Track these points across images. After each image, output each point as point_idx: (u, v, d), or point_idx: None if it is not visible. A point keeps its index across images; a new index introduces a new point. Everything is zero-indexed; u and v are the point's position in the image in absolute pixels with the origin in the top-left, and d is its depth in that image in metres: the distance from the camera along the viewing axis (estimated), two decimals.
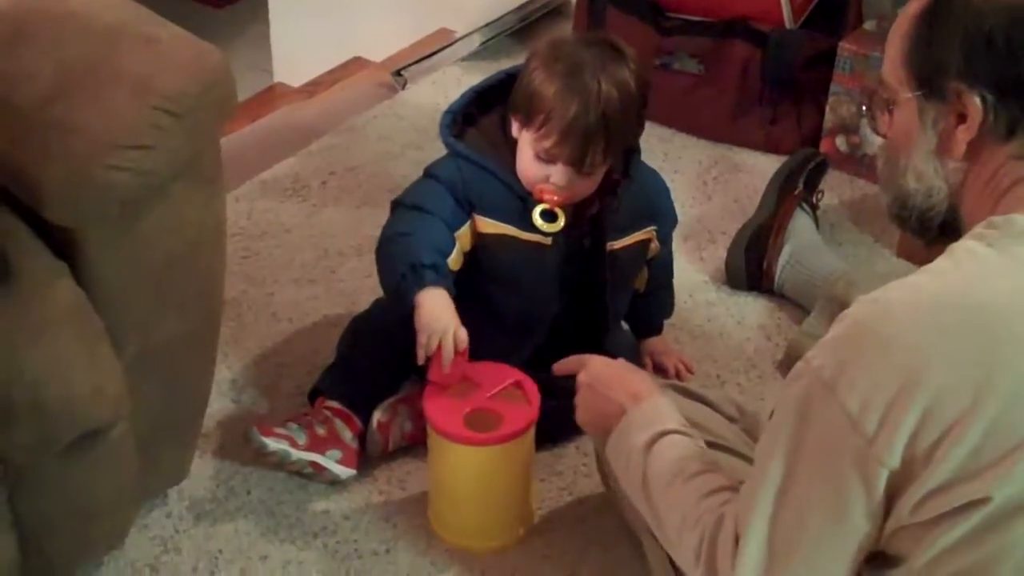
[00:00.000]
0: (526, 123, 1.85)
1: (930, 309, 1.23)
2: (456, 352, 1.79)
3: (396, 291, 1.83)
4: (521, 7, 3.13)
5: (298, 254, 2.45)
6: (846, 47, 2.63)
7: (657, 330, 2.21)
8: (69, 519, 1.61)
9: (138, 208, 1.54)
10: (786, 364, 2.18)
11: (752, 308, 2.35)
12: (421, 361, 1.80)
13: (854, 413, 1.23)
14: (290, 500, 1.93)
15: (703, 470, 1.48)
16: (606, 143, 1.82)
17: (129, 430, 1.60)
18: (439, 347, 1.78)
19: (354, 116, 2.89)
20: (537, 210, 1.88)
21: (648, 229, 2.03)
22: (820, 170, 2.52)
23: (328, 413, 1.96)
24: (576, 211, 1.94)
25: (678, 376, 2.15)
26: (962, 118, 1.33)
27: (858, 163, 2.69)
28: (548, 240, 1.91)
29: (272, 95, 3.04)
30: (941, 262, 1.28)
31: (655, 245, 2.07)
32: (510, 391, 1.85)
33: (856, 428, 1.23)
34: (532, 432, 1.84)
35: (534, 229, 1.89)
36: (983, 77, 1.30)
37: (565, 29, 3.04)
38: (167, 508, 1.91)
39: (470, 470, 1.83)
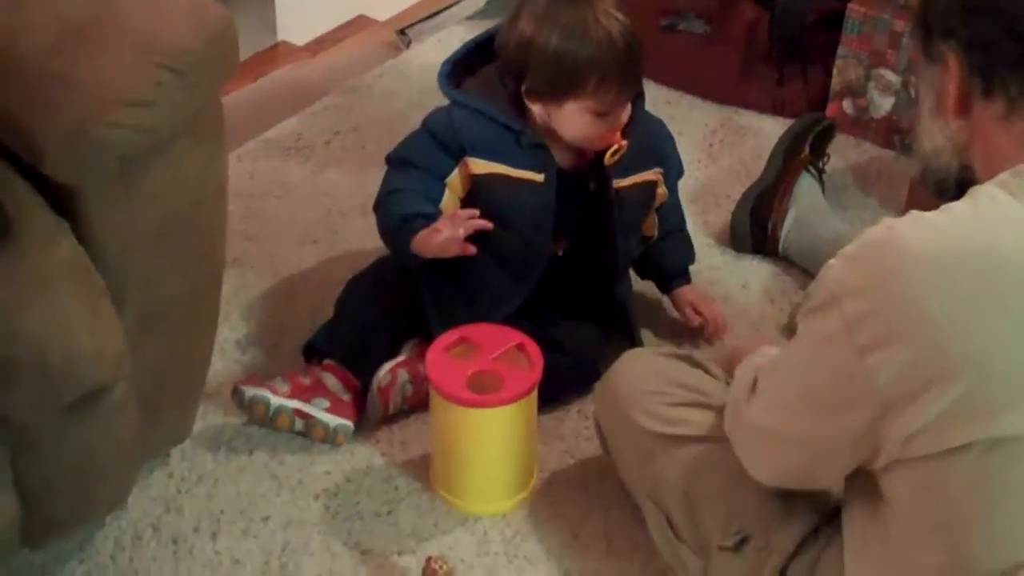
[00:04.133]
0: (571, 95, 1.89)
1: (939, 248, 1.25)
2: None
3: (394, 246, 1.97)
4: None
5: (301, 214, 2.44)
6: (854, 9, 2.61)
7: (684, 276, 2.19)
8: (71, 479, 1.61)
9: (139, 166, 1.53)
10: (790, 328, 2.18)
11: (757, 272, 2.34)
12: (463, 237, 1.88)
13: (851, 324, 1.28)
14: (292, 461, 1.93)
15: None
16: (642, 59, 1.93)
17: (130, 389, 1.59)
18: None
19: (358, 75, 2.87)
20: (609, 153, 1.94)
21: (654, 170, 2.06)
22: (827, 134, 2.50)
23: (319, 369, 1.96)
24: (579, 152, 1.98)
25: (713, 329, 2.14)
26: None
27: (864, 127, 2.67)
28: (540, 177, 1.95)
29: (276, 53, 3.01)
30: (961, 204, 1.30)
31: (662, 191, 2.09)
32: (512, 353, 1.84)
33: (850, 335, 1.28)
34: (535, 394, 1.83)
35: (525, 166, 1.94)
36: (957, 35, 1.33)
37: None
38: (169, 468, 1.91)
39: (473, 432, 1.83)
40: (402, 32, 2.99)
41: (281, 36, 3.05)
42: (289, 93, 2.82)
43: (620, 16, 1.89)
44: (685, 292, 2.17)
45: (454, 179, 1.96)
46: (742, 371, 1.58)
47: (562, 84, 1.89)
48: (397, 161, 2.01)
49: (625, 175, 2.00)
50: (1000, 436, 1.23)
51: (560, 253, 2.02)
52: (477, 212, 1.91)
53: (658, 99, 2.75)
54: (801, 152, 2.43)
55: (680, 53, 2.76)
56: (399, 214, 1.93)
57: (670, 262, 2.18)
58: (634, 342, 2.07)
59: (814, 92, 2.73)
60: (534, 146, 1.94)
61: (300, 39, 3.05)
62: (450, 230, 1.88)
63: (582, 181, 1.99)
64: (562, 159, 1.98)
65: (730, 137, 2.69)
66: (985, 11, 1.31)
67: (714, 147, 2.66)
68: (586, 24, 1.86)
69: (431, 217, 1.92)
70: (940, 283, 1.23)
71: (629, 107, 1.95)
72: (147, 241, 1.59)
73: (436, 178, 1.96)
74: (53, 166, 1.48)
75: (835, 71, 2.67)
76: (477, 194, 1.97)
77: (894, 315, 1.25)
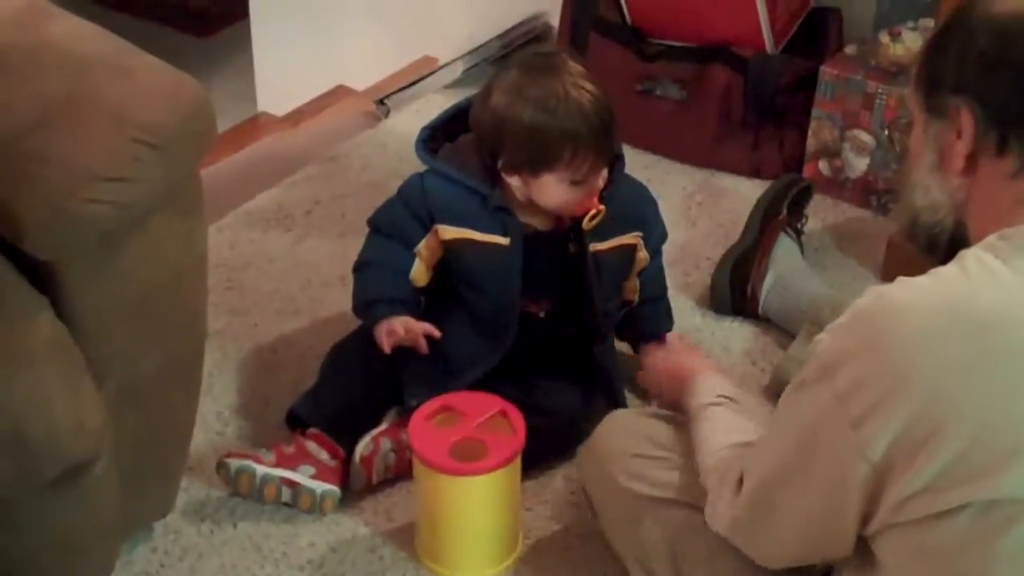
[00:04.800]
0: (547, 168, 1.91)
1: (930, 312, 1.25)
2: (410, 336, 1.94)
3: (361, 326, 2.04)
4: (504, 34, 3.14)
5: (282, 284, 2.45)
6: (827, 71, 2.64)
7: (658, 341, 2.19)
8: (53, 554, 1.60)
9: (118, 240, 1.53)
10: (772, 389, 2.18)
11: (737, 333, 2.35)
12: (388, 350, 1.95)
13: (843, 395, 1.27)
14: (276, 534, 1.92)
15: (730, 430, 1.64)
16: (616, 127, 1.96)
17: (112, 464, 1.59)
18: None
19: (338, 145, 2.89)
20: (588, 218, 1.97)
21: (633, 235, 2.07)
22: (804, 195, 2.52)
23: (303, 437, 1.97)
24: (557, 215, 2.00)
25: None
26: (960, 134, 1.35)
27: (840, 187, 2.69)
28: (506, 240, 1.97)
29: (256, 124, 3.03)
30: (949, 268, 1.30)
31: (643, 255, 2.10)
32: (495, 420, 1.84)
33: (842, 406, 1.27)
34: (518, 461, 1.83)
35: (491, 230, 1.97)
36: (973, 90, 1.33)
37: None
38: (152, 542, 1.90)
39: (457, 501, 1.82)
40: (381, 102, 3.02)
41: (261, 107, 3.06)
42: (269, 164, 2.84)
43: (589, 86, 1.91)
44: (651, 348, 2.17)
45: (423, 247, 2.00)
46: (712, 456, 1.59)
47: (538, 158, 1.91)
48: (373, 227, 2.06)
49: (604, 239, 2.01)
50: (994, 498, 1.22)
51: (542, 315, 2.04)
52: (427, 327, 1.96)
53: (636, 163, 2.77)
54: (779, 213, 2.45)
55: (656, 118, 2.79)
56: (363, 299, 2.02)
57: (646, 328, 2.19)
58: (617, 403, 2.07)
59: (790, 153, 2.75)
60: (499, 209, 1.97)
61: (280, 110, 3.07)
62: (390, 339, 1.95)
63: (561, 243, 2.01)
64: (541, 222, 2.01)
65: (708, 200, 2.71)
66: (1008, 66, 1.31)
67: (692, 210, 2.68)
68: (557, 97, 1.88)
69: (393, 303, 1.98)
70: (931, 347, 1.23)
71: (605, 172, 1.97)
72: (127, 315, 1.59)
73: (406, 247, 2.00)
74: (32, 243, 1.48)
75: (810, 133, 2.70)
76: (449, 258, 2.00)
77: (887, 380, 1.24)
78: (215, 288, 2.30)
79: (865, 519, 1.31)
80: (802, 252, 2.44)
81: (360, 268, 2.05)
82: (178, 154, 1.55)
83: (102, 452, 1.55)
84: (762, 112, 2.71)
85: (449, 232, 1.98)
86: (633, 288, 2.14)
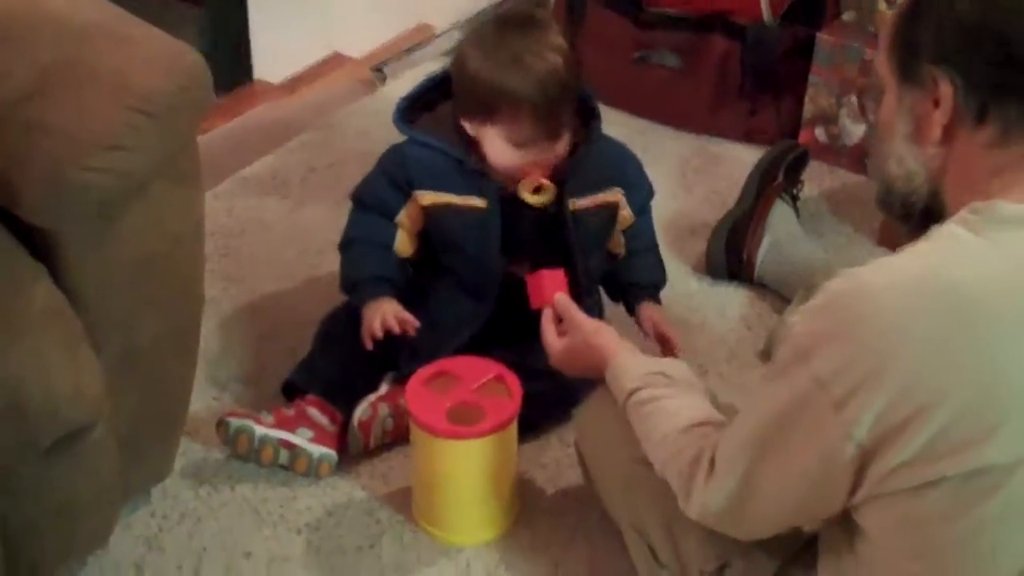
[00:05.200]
0: (488, 120, 1.93)
1: (906, 290, 1.24)
2: (400, 325, 1.95)
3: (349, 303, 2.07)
4: (500, 2, 3.13)
5: (279, 251, 2.45)
6: (824, 38, 2.64)
7: (650, 295, 2.16)
8: (52, 520, 1.61)
9: (115, 208, 1.54)
10: (767, 353, 2.19)
11: (733, 299, 2.36)
12: (369, 345, 1.96)
13: (823, 379, 1.26)
14: (274, 497, 1.94)
15: (677, 413, 1.56)
16: (569, 106, 1.93)
17: (110, 430, 1.60)
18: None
19: (334, 112, 2.89)
20: (527, 189, 1.96)
21: (613, 191, 2.07)
22: (800, 161, 2.53)
23: (302, 402, 1.98)
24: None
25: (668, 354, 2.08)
26: (937, 103, 1.33)
27: (837, 153, 2.70)
28: (482, 202, 1.98)
29: (252, 91, 3.03)
30: (922, 244, 1.29)
31: (626, 213, 2.09)
32: (492, 384, 1.85)
33: (823, 390, 1.26)
34: (515, 425, 1.84)
35: (468, 193, 1.99)
36: (953, 60, 1.31)
37: None
38: (151, 507, 1.91)
39: (454, 464, 1.83)
40: (377, 69, 3.02)
41: (257, 75, 3.06)
42: (265, 131, 2.84)
43: (552, 57, 1.90)
44: (648, 310, 2.13)
45: (403, 217, 2.02)
46: (665, 447, 1.53)
47: (478, 107, 1.93)
48: (356, 201, 2.08)
49: (582, 195, 2.02)
50: (977, 467, 1.23)
51: (525, 276, 2.04)
52: (407, 320, 1.97)
53: (632, 130, 2.78)
54: (775, 179, 2.46)
55: (653, 85, 2.79)
56: (349, 279, 2.04)
57: (638, 278, 2.16)
58: None
59: (786, 120, 2.75)
60: (474, 172, 1.98)
61: (276, 77, 3.07)
62: (374, 327, 1.96)
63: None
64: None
65: (704, 166, 2.71)
66: (989, 37, 1.29)
67: (688, 176, 2.68)
68: (512, 55, 1.89)
69: (378, 281, 2.00)
70: (909, 324, 1.22)
71: (559, 148, 1.96)
72: (125, 283, 1.60)
73: (388, 218, 2.02)
74: (30, 211, 1.49)
75: (807, 99, 2.70)
76: (430, 225, 2.02)
77: (868, 360, 1.23)
78: (212, 255, 2.30)
79: (850, 492, 1.31)
80: (798, 218, 2.45)
81: (345, 246, 2.07)
82: (175, 122, 1.55)
83: (100, 418, 1.56)
84: (759, 79, 2.72)
85: (427, 197, 2.00)
86: (619, 243, 2.14)
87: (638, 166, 2.14)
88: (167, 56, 1.56)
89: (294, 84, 3.07)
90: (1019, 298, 1.23)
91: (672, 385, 1.62)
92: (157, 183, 1.58)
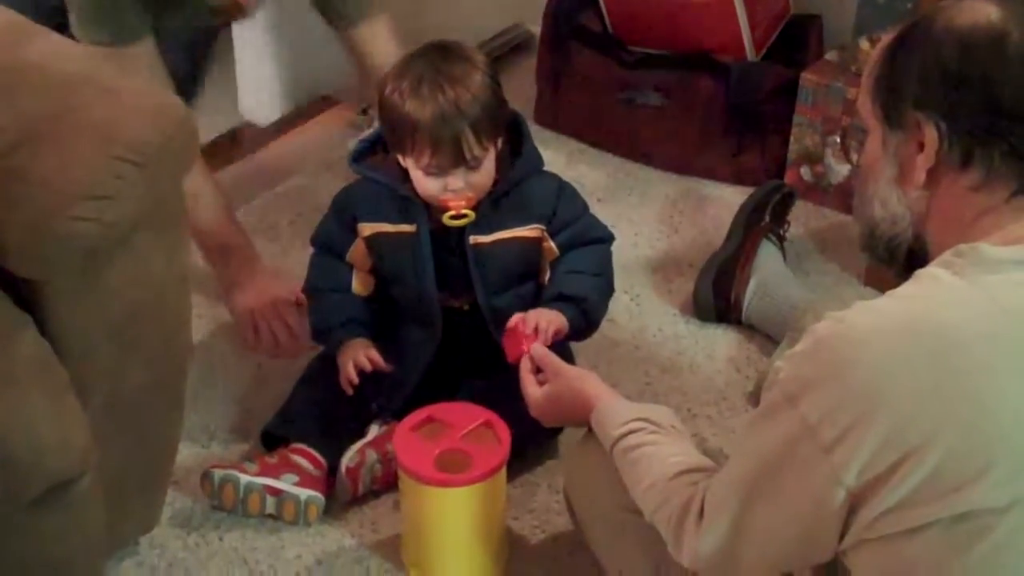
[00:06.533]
0: (402, 150, 1.95)
1: (892, 334, 1.24)
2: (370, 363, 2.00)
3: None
4: (485, 43, 3.14)
5: None
6: (808, 78, 2.65)
7: (558, 305, 1.99)
8: (38, 571, 1.60)
9: (101, 258, 1.54)
10: (756, 396, 2.19)
11: (721, 340, 2.36)
12: (350, 391, 2.01)
13: (812, 423, 1.25)
14: (263, 546, 1.93)
15: (665, 460, 1.55)
16: (475, 134, 1.91)
17: (97, 480, 1.59)
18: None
19: (321, 155, 2.89)
20: (447, 216, 1.97)
21: (531, 227, 2.03)
22: (787, 201, 2.53)
23: (285, 450, 1.99)
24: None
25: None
26: (921, 147, 1.34)
27: (823, 192, 2.70)
28: (412, 227, 2.01)
29: (240, 135, 3.03)
30: (907, 287, 1.29)
31: (548, 245, 2.06)
32: (480, 431, 1.84)
33: (812, 435, 1.25)
34: (504, 471, 1.84)
35: (401, 220, 2.01)
36: (937, 105, 1.31)
37: (529, 65, 3.05)
38: (138, 557, 1.90)
39: (443, 512, 1.82)
40: (364, 111, 3.02)
41: (245, 117, 3.07)
42: (253, 175, 2.84)
43: (457, 88, 1.89)
44: (541, 310, 1.96)
45: (353, 253, 2.07)
46: (654, 496, 1.51)
47: (391, 134, 1.96)
48: (313, 244, 2.14)
49: (489, 231, 2.01)
50: (963, 511, 1.22)
51: (466, 308, 2.06)
52: (375, 361, 2.02)
53: (618, 171, 2.79)
54: (762, 220, 2.46)
55: (638, 125, 2.80)
56: (317, 328, 2.10)
57: (552, 289, 2.03)
58: None
59: (772, 160, 2.76)
60: (403, 198, 2.00)
61: (263, 120, 3.07)
62: (349, 372, 2.01)
63: (460, 237, 2.02)
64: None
65: (691, 207, 2.72)
66: (973, 83, 1.29)
67: (675, 217, 2.68)
68: (414, 84, 1.90)
69: (345, 324, 2.06)
70: (896, 370, 1.22)
71: (475, 178, 1.95)
72: (111, 332, 1.59)
73: (340, 259, 2.08)
74: (15, 261, 1.49)
75: (792, 139, 2.71)
76: (372, 257, 2.07)
77: (856, 404, 1.23)
78: (199, 300, 2.29)
79: (840, 537, 1.31)
80: (784, 258, 2.45)
81: (309, 294, 2.13)
82: (161, 171, 1.55)
83: (87, 470, 1.55)
84: (744, 119, 2.72)
85: (367, 228, 2.04)
86: (545, 274, 2.10)
87: (571, 201, 2.07)
88: (153, 105, 1.56)
89: (281, 127, 3.06)
90: (1004, 341, 1.23)
91: (658, 431, 1.61)
92: (143, 233, 1.58)
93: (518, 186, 2.02)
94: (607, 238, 2.11)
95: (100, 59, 1.62)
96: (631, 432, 1.61)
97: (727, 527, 1.38)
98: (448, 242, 2.01)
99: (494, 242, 2.02)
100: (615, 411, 1.67)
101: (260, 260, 2.38)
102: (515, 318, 1.92)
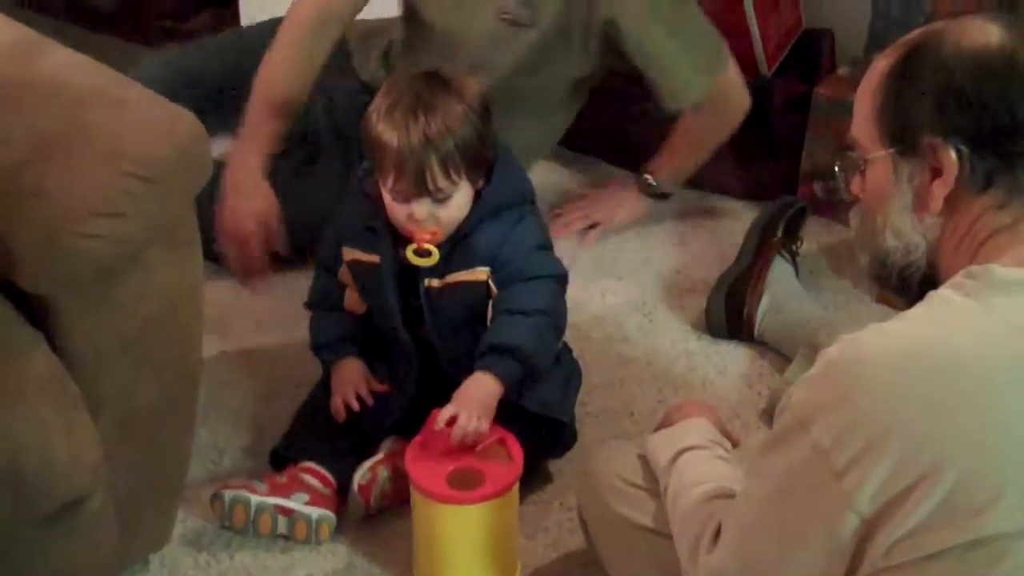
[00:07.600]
0: (376, 170, 1.93)
1: (904, 357, 1.23)
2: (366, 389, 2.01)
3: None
4: None
5: (278, 312, 2.44)
6: (821, 93, 2.64)
7: (490, 363, 1.92)
8: None
9: (112, 275, 1.53)
10: (769, 413, 2.17)
11: (734, 357, 2.35)
12: (341, 419, 2.01)
13: (824, 448, 1.24)
14: (274, 564, 1.91)
15: (701, 481, 1.54)
16: (443, 166, 1.86)
17: (108, 498, 1.58)
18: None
19: None
20: (410, 249, 1.93)
21: (476, 270, 1.98)
22: (799, 217, 2.53)
23: (295, 469, 1.97)
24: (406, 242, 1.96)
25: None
26: (937, 172, 1.33)
27: (835, 208, 2.69)
28: (377, 258, 1.99)
29: None
30: (918, 309, 1.28)
31: (492, 287, 2.00)
32: (493, 448, 1.84)
33: (824, 460, 1.24)
34: (516, 489, 1.83)
35: (370, 249, 1.99)
36: (957, 131, 1.30)
37: None
38: (148, 575, 1.89)
39: (455, 529, 1.81)
40: None
41: None
42: None
43: (435, 121, 1.85)
44: (472, 381, 1.90)
45: (343, 272, 2.06)
46: (679, 512, 1.52)
47: (367, 154, 1.94)
48: (315, 259, 2.14)
49: (440, 275, 1.97)
50: (977, 538, 1.21)
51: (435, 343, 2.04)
52: (366, 395, 2.03)
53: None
54: (774, 236, 2.45)
55: (650, 140, 2.79)
56: (313, 343, 2.10)
57: (487, 340, 1.95)
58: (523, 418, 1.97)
59: (784, 175, 2.75)
60: (370, 229, 1.99)
61: None
62: (338, 406, 2.02)
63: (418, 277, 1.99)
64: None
65: (703, 223, 2.71)
66: (993, 106, 1.29)
67: (687, 233, 2.68)
68: (389, 106, 1.88)
69: (340, 341, 2.07)
70: (909, 394, 1.21)
71: (442, 212, 1.90)
72: (122, 349, 1.59)
73: (334, 276, 2.07)
74: (27, 278, 1.48)
75: (804, 154, 2.70)
76: (355, 280, 2.06)
77: (868, 428, 1.21)
78: (210, 317, 2.28)
79: (854, 566, 1.28)
80: (797, 274, 2.45)
81: (310, 308, 2.13)
82: (172, 188, 1.55)
83: (98, 487, 1.54)
84: (756, 134, 2.71)
85: (347, 253, 2.04)
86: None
87: (520, 243, 1.98)
88: (164, 121, 1.56)
89: None
90: (1017, 363, 1.22)
91: (708, 456, 1.61)
92: (154, 249, 1.58)
93: (476, 229, 1.96)
94: (552, 274, 2.00)
95: (110, 73, 1.61)
96: (692, 449, 1.63)
97: (739, 551, 1.37)
98: (412, 278, 1.98)
99: (444, 286, 1.98)
100: (696, 426, 1.70)
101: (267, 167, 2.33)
102: (438, 417, 1.83)
